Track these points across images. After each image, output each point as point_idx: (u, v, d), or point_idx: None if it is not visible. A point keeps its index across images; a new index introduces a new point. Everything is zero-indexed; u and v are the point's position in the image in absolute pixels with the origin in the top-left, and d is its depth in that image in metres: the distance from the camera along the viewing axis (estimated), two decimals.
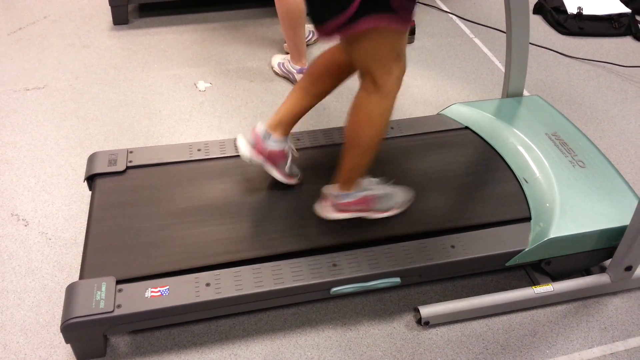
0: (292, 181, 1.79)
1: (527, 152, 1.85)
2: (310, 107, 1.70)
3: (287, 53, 2.59)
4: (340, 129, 2.05)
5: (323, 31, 1.34)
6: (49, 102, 2.40)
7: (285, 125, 1.69)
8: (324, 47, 2.83)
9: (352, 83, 2.59)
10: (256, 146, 1.68)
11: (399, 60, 1.45)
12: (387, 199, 1.69)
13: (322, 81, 1.66)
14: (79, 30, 2.91)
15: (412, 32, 2.89)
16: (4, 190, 1.99)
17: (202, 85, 2.55)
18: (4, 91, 2.45)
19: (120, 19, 2.95)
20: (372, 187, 1.68)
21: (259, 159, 1.70)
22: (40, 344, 1.53)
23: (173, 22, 3.01)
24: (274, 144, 1.68)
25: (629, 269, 1.64)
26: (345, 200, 1.64)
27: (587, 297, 1.70)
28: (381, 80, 1.44)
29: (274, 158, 1.71)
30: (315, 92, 1.67)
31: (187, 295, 1.45)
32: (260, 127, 1.69)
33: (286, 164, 1.74)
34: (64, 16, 3.01)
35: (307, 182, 1.81)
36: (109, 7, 2.91)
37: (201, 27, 2.98)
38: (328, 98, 2.49)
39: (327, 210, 1.68)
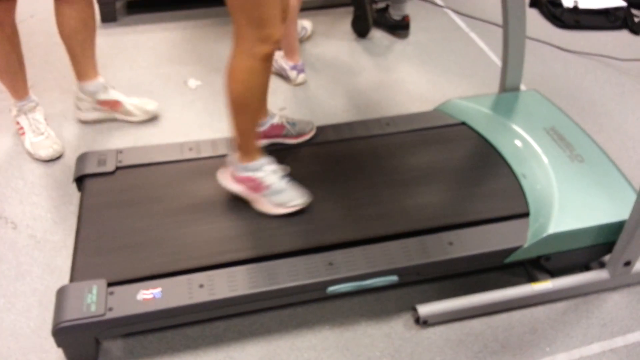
0: (308, 136, 1.94)
1: (524, 147, 1.82)
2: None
3: (280, 49, 2.55)
4: (335, 126, 2.02)
5: None
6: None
7: None
8: (317, 42, 2.81)
9: (348, 79, 2.56)
10: None
11: (263, 24, 1.42)
12: (278, 193, 1.65)
13: None
14: None
15: (407, 27, 2.85)
16: None
17: (192, 83, 2.51)
18: None
19: (108, 16, 2.90)
20: (266, 173, 1.64)
21: (261, 143, 1.79)
22: (31, 349, 1.50)
23: (162, 20, 2.96)
24: (261, 126, 1.85)
25: (628, 264, 1.62)
26: (237, 173, 1.65)
27: (587, 293, 1.68)
28: (243, 35, 1.45)
29: (272, 134, 1.89)
30: None
31: (180, 297, 1.43)
32: None
33: (287, 131, 1.90)
34: (50, 14, 2.94)
35: (300, 181, 1.78)
36: (97, 5, 2.86)
37: (191, 24, 2.94)
38: (322, 95, 2.46)
39: (224, 177, 1.70)
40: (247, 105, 1.55)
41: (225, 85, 1.54)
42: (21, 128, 2.10)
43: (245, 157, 1.63)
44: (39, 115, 2.12)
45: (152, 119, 2.28)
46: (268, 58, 1.49)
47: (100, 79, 2.17)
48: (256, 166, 1.63)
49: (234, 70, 1.50)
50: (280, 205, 1.65)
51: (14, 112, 2.11)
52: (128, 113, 2.23)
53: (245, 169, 1.63)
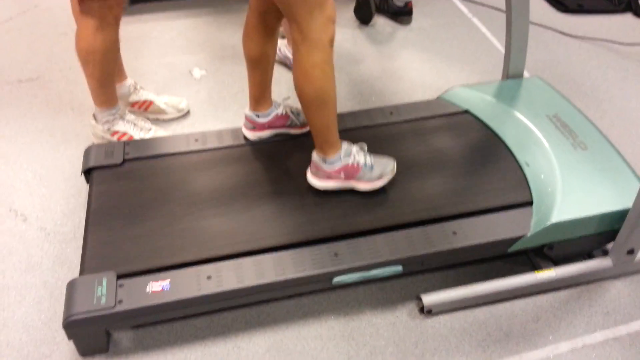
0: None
1: (528, 135, 1.83)
2: (266, 74, 1.78)
3: (284, 37, 2.55)
4: (338, 115, 2.02)
5: None
6: (43, 93, 2.37)
7: (262, 99, 1.82)
8: None
9: (351, 67, 2.55)
10: (255, 126, 1.86)
11: (324, 5, 1.40)
12: (371, 167, 1.66)
13: (255, 46, 1.71)
14: (71, 19, 2.82)
15: (409, 13, 2.84)
16: (1, 185, 1.97)
17: (197, 72, 2.52)
18: None
19: None
20: (353, 154, 1.66)
21: (266, 134, 1.88)
22: (42, 341, 1.53)
23: (166, 8, 2.95)
24: (266, 117, 1.84)
25: (631, 252, 1.63)
26: (328, 168, 1.64)
27: (590, 282, 1.70)
28: (305, 26, 1.40)
29: (276, 124, 1.86)
30: (256, 59, 1.73)
31: (188, 289, 1.45)
32: (248, 112, 1.86)
33: (292, 121, 1.88)
34: (54, 5, 2.95)
35: (304, 171, 1.79)
36: None
37: (195, 12, 2.93)
38: None
39: (314, 178, 1.69)
40: (327, 100, 1.51)
41: (298, 88, 1.48)
42: (124, 134, 1.98)
43: (331, 150, 1.61)
44: (130, 115, 2.02)
45: (184, 116, 2.26)
46: (333, 41, 1.46)
47: (130, 80, 2.13)
48: (345, 153, 1.64)
49: (306, 68, 1.44)
50: (378, 178, 1.67)
51: (104, 125, 1.95)
52: (160, 111, 2.19)
53: (336, 161, 1.63)
